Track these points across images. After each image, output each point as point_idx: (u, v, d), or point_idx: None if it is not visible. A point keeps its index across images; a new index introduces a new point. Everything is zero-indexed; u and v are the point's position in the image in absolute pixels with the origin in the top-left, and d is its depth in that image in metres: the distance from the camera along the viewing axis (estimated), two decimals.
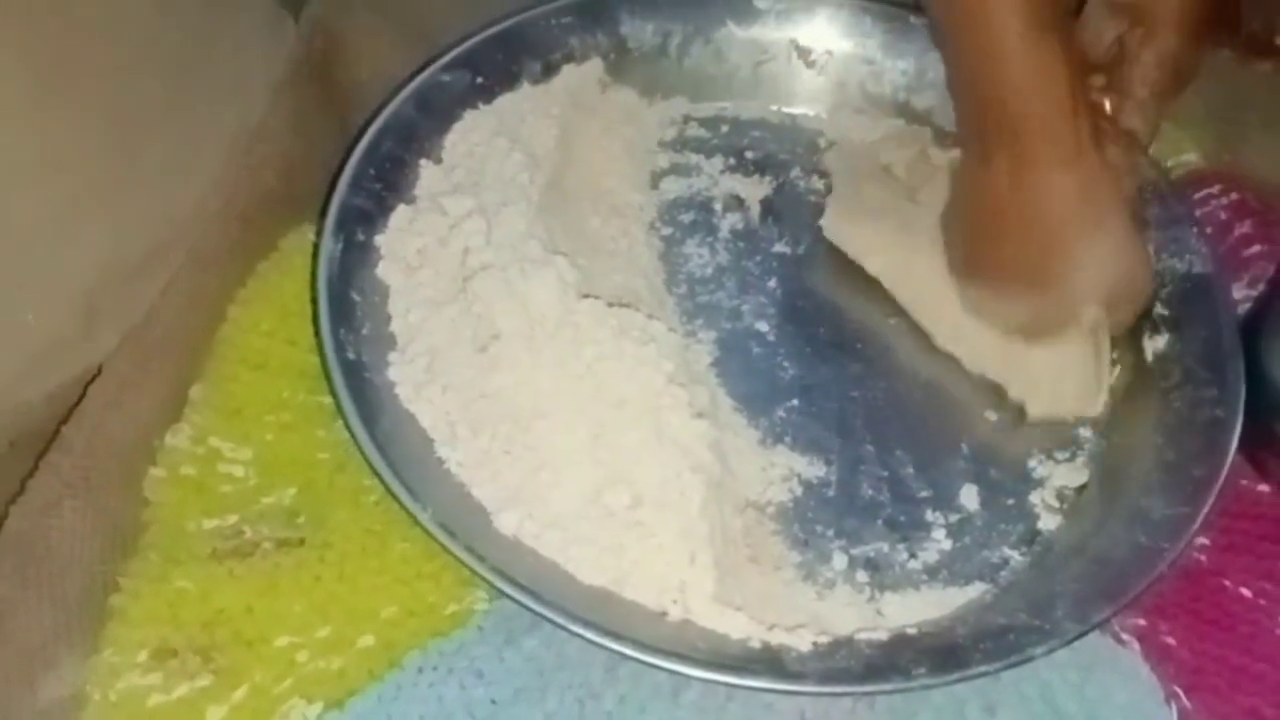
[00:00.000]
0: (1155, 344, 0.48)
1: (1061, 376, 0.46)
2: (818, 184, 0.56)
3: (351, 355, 0.43)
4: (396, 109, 0.51)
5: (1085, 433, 0.48)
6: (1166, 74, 0.51)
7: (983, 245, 0.47)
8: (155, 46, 0.48)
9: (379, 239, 0.47)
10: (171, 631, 0.41)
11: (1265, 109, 0.58)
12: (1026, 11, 0.43)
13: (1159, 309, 0.49)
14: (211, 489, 0.44)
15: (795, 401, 0.49)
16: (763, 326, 0.51)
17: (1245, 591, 0.44)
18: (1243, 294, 0.52)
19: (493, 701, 0.40)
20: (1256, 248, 0.54)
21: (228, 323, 0.49)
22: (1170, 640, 0.43)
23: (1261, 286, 0.52)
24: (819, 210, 0.55)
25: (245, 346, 0.48)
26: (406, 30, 0.57)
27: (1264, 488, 0.47)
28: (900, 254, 0.50)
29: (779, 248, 0.54)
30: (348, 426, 0.41)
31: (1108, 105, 0.53)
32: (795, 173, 0.57)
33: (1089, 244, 0.45)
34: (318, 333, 0.44)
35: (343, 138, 0.51)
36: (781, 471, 0.46)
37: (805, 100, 0.58)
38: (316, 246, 0.46)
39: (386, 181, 0.49)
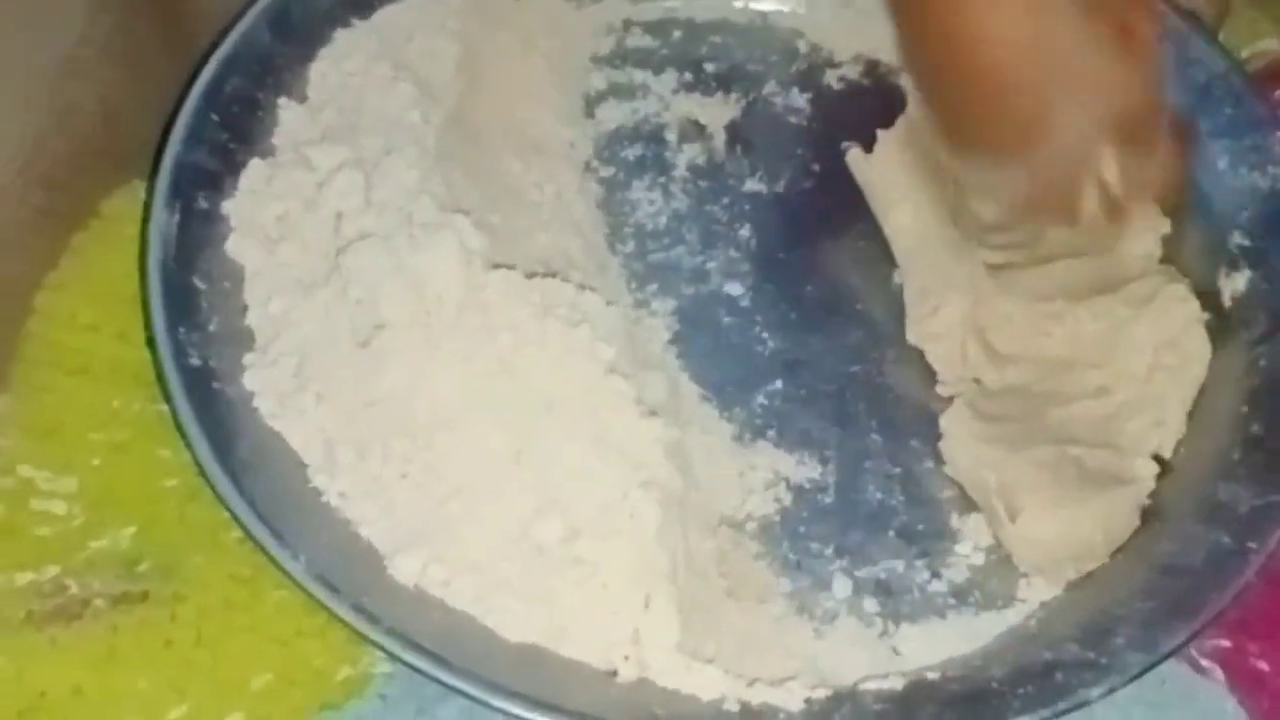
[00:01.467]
0: (1234, 283, 0.48)
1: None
2: (799, 100, 0.55)
3: (196, 360, 0.42)
4: (245, 33, 0.49)
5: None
6: None
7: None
8: None
9: (227, 205, 0.46)
10: None
11: None
12: None
13: (1238, 238, 0.48)
14: (24, 533, 0.43)
15: (779, 384, 0.48)
16: (735, 289, 0.50)
17: None
18: None
19: None
20: None
21: (36, 315, 0.47)
22: (1263, 665, 0.43)
23: None
24: (802, 135, 0.54)
25: (60, 345, 0.47)
26: None
27: None
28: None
29: (752, 185, 0.53)
30: (193, 454, 0.40)
31: None
32: (769, 88, 0.55)
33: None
34: (150, 333, 0.42)
35: (180, 69, 0.49)
36: (765, 476, 0.46)
37: None
38: (146, 219, 0.44)
39: (235, 129, 0.47)
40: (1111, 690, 0.37)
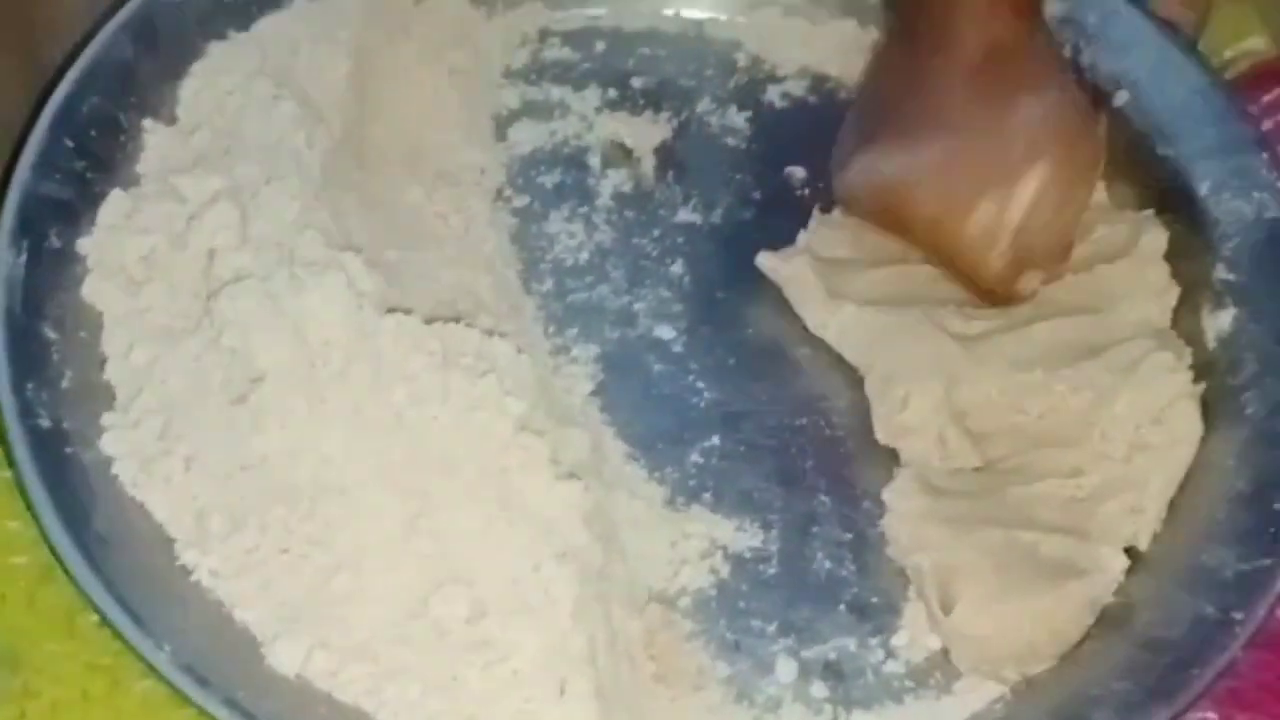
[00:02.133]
0: (1219, 321, 0.49)
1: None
2: (737, 119, 0.56)
3: (46, 421, 0.42)
4: (105, 46, 0.49)
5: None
6: None
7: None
8: None
9: (84, 243, 0.46)
10: None
11: None
12: None
13: (1222, 272, 0.49)
14: None
15: (716, 440, 0.48)
16: (665, 333, 0.51)
17: None
18: None
19: None
20: None
21: None
22: None
23: None
24: (739, 158, 0.55)
25: None
26: None
27: None
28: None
29: (685, 216, 0.53)
30: (42, 528, 0.40)
31: None
32: (704, 105, 0.56)
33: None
34: None
35: (32, 81, 0.50)
36: (700, 545, 0.46)
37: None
38: None
39: (93, 156, 0.48)
40: None
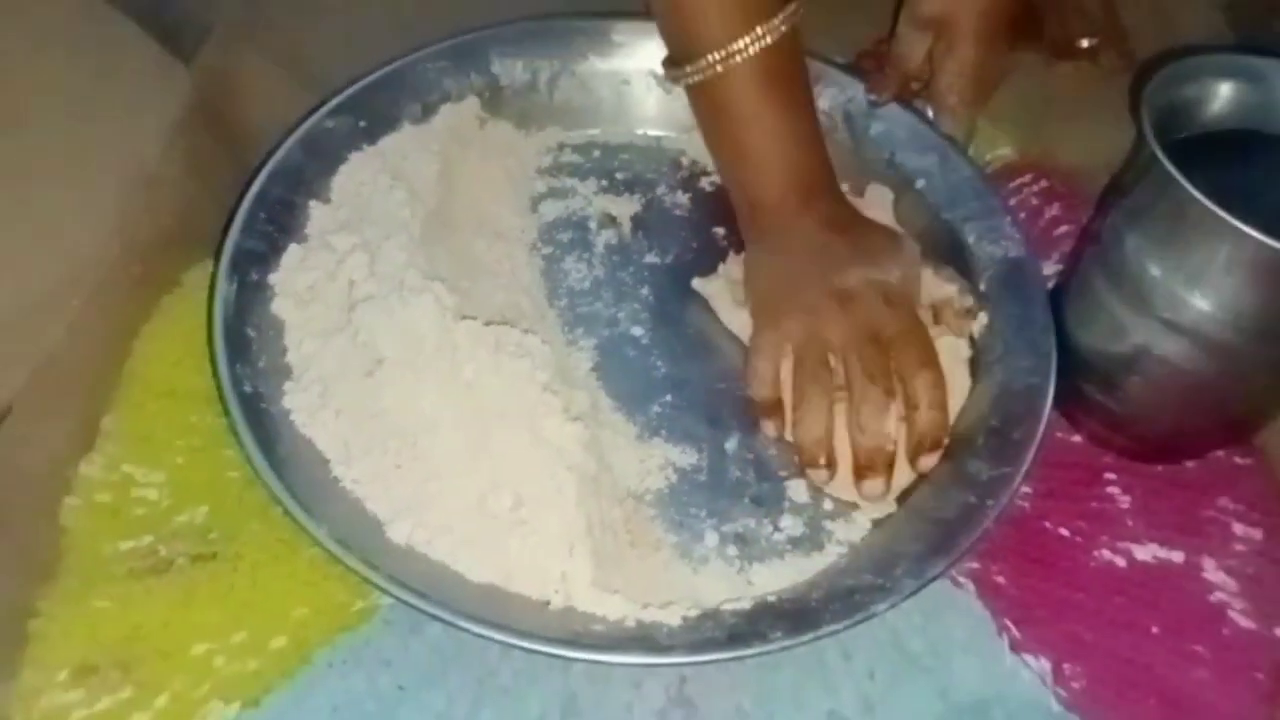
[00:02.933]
0: (980, 320, 0.49)
1: None
2: (681, 199, 0.56)
3: (248, 388, 0.42)
4: (285, 155, 0.49)
5: None
6: (970, 82, 0.51)
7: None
8: (51, 93, 0.46)
9: (273, 277, 0.46)
10: (91, 649, 0.40)
11: (1069, 103, 0.60)
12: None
13: (982, 290, 0.49)
14: (126, 513, 0.43)
15: (669, 397, 0.48)
16: (637, 331, 0.51)
17: (1064, 531, 0.45)
18: (1054, 269, 0.53)
19: (400, 688, 0.40)
20: (1065, 228, 0.55)
21: (134, 356, 0.47)
22: (1001, 579, 0.44)
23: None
24: (684, 223, 0.55)
25: (152, 377, 0.47)
26: (297, 73, 0.56)
27: (1077, 438, 0.48)
28: None
29: (650, 258, 0.53)
30: (246, 455, 0.40)
31: (929, 112, 0.54)
32: (661, 189, 0.56)
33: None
34: (215, 369, 0.42)
35: (239, 177, 0.50)
36: (658, 461, 0.46)
37: (666, 123, 0.58)
38: (212, 287, 0.45)
39: (278, 223, 0.48)
40: (892, 606, 0.38)
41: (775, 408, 0.46)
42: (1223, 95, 0.43)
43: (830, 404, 0.44)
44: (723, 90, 0.46)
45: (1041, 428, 0.43)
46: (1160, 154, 0.40)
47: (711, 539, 0.44)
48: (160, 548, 0.42)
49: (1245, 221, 0.37)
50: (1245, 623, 0.43)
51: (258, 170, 0.48)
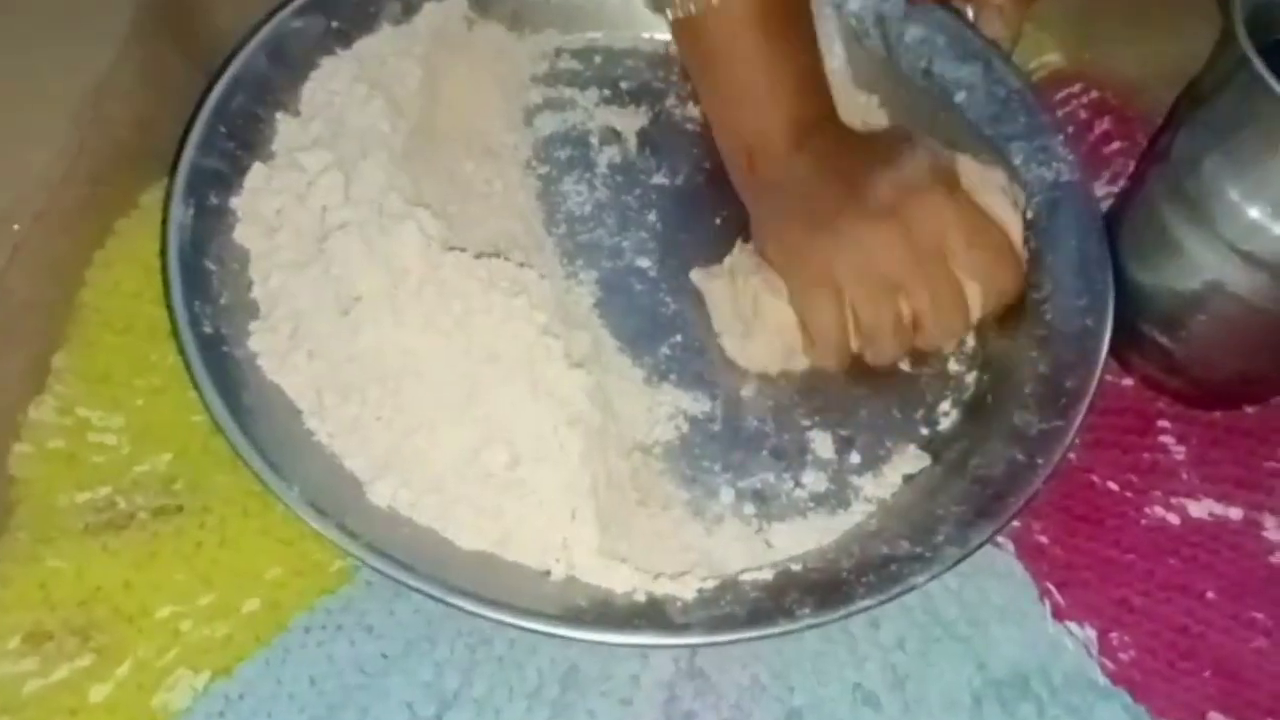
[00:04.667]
0: (1027, 252, 0.44)
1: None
2: (693, 111, 0.50)
3: (209, 329, 0.38)
4: (246, 60, 0.44)
5: (966, 347, 0.44)
6: None
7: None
8: None
9: (235, 201, 0.41)
10: (46, 613, 0.37)
11: (1124, 4, 0.54)
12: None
13: (1029, 219, 0.44)
14: (82, 461, 0.40)
15: (679, 337, 0.44)
16: (644, 263, 0.46)
17: (1112, 485, 0.41)
18: (1104, 190, 0.48)
19: (384, 655, 0.37)
20: (1115, 144, 0.50)
21: (87, 286, 0.43)
22: (1043, 539, 0.40)
23: (1122, 183, 0.48)
24: (696, 139, 0.49)
25: (108, 310, 0.43)
26: None
27: (1128, 382, 0.44)
28: None
29: (658, 179, 0.48)
30: (206, 405, 0.36)
31: (970, 13, 0.48)
32: (670, 101, 0.50)
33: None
34: (170, 307, 0.38)
35: (202, 85, 0.44)
36: (668, 410, 0.42)
37: None
38: (166, 214, 0.39)
39: (240, 139, 0.42)
40: (933, 578, 0.35)
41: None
42: None
43: (900, 331, 0.39)
44: (716, 24, 0.40)
45: (1096, 376, 0.39)
46: (1252, 53, 0.34)
47: (727, 496, 0.40)
48: (119, 500, 0.39)
49: None
50: None
51: (215, 79, 0.43)
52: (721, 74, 0.42)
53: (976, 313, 0.40)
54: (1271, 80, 0.34)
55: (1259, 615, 0.38)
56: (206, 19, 0.49)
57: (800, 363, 0.42)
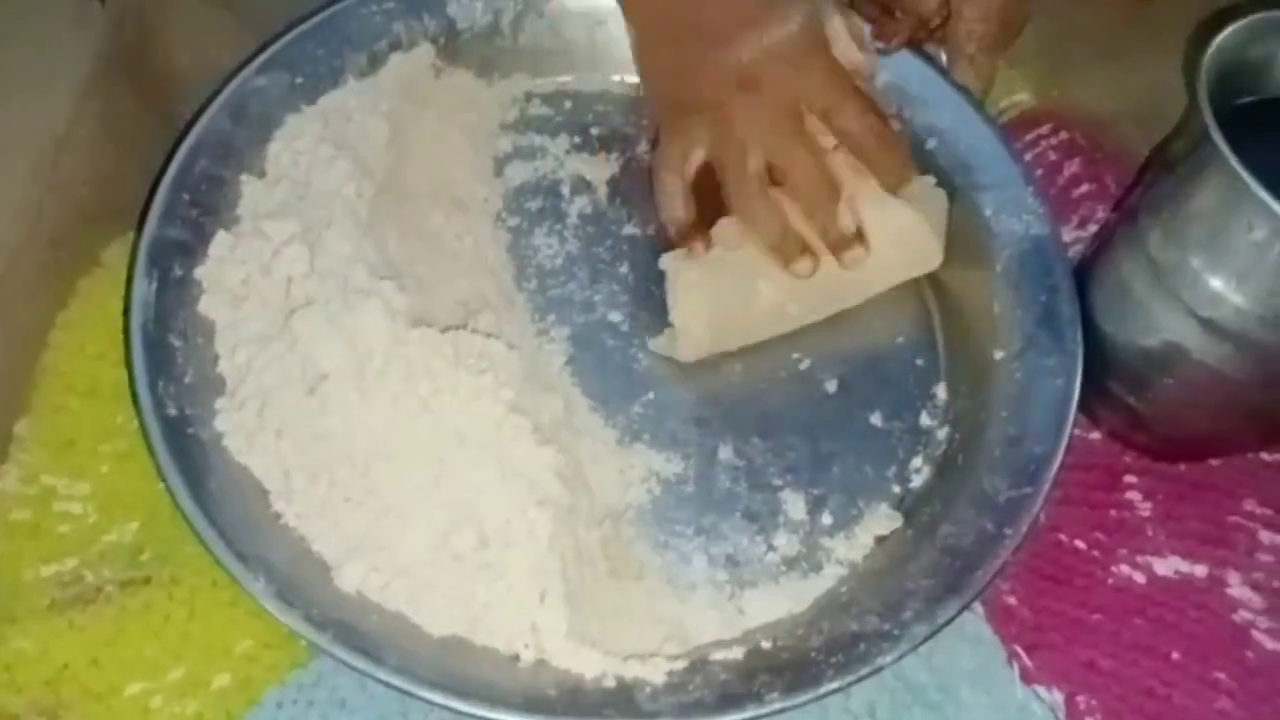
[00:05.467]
0: (998, 306, 0.44)
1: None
2: None
3: (172, 411, 0.37)
4: (209, 123, 0.43)
5: (938, 401, 0.44)
6: (992, 27, 0.45)
7: None
8: None
9: (199, 271, 0.40)
10: (11, 696, 0.36)
11: (1091, 41, 0.53)
12: None
13: (998, 271, 0.44)
14: (48, 531, 0.39)
15: (651, 395, 0.43)
16: (616, 317, 0.45)
17: (1080, 544, 0.41)
18: (1073, 235, 0.48)
19: None
20: (1085, 187, 0.50)
21: (51, 349, 0.42)
22: (1012, 600, 0.40)
23: (1091, 227, 0.48)
24: None
25: (72, 373, 0.42)
26: (234, 8, 0.48)
27: (1095, 435, 0.44)
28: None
29: (629, 230, 0.48)
30: (172, 495, 0.35)
31: (944, 58, 0.48)
32: (641, 147, 0.50)
33: None
34: (133, 390, 0.37)
35: (166, 137, 0.43)
36: (640, 472, 0.42)
37: None
38: (128, 289, 0.39)
39: (203, 205, 0.42)
40: (900, 658, 0.35)
41: (694, 229, 0.41)
42: None
43: (771, 199, 0.39)
44: None
45: (1065, 442, 0.39)
46: (1212, 126, 0.34)
47: (699, 561, 0.40)
48: (86, 573, 0.39)
49: None
50: (1271, 644, 0.40)
51: (179, 143, 0.42)
52: None
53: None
54: (1228, 151, 0.33)
55: (1221, 675, 0.39)
56: (168, 63, 0.48)
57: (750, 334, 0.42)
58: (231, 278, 0.40)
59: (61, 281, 0.43)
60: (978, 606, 0.40)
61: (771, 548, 0.40)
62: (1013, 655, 0.39)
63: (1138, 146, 0.49)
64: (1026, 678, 0.39)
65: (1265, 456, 0.43)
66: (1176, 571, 0.41)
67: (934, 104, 0.47)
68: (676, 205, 0.41)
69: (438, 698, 0.32)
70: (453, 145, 0.48)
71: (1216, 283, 0.36)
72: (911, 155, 0.42)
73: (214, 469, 0.36)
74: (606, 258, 0.47)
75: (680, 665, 0.35)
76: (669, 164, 0.40)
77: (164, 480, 0.35)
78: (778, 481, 0.42)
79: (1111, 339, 0.41)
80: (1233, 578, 0.41)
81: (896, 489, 0.42)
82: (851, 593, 0.38)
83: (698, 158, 0.40)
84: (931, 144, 0.47)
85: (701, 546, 0.40)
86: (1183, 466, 0.43)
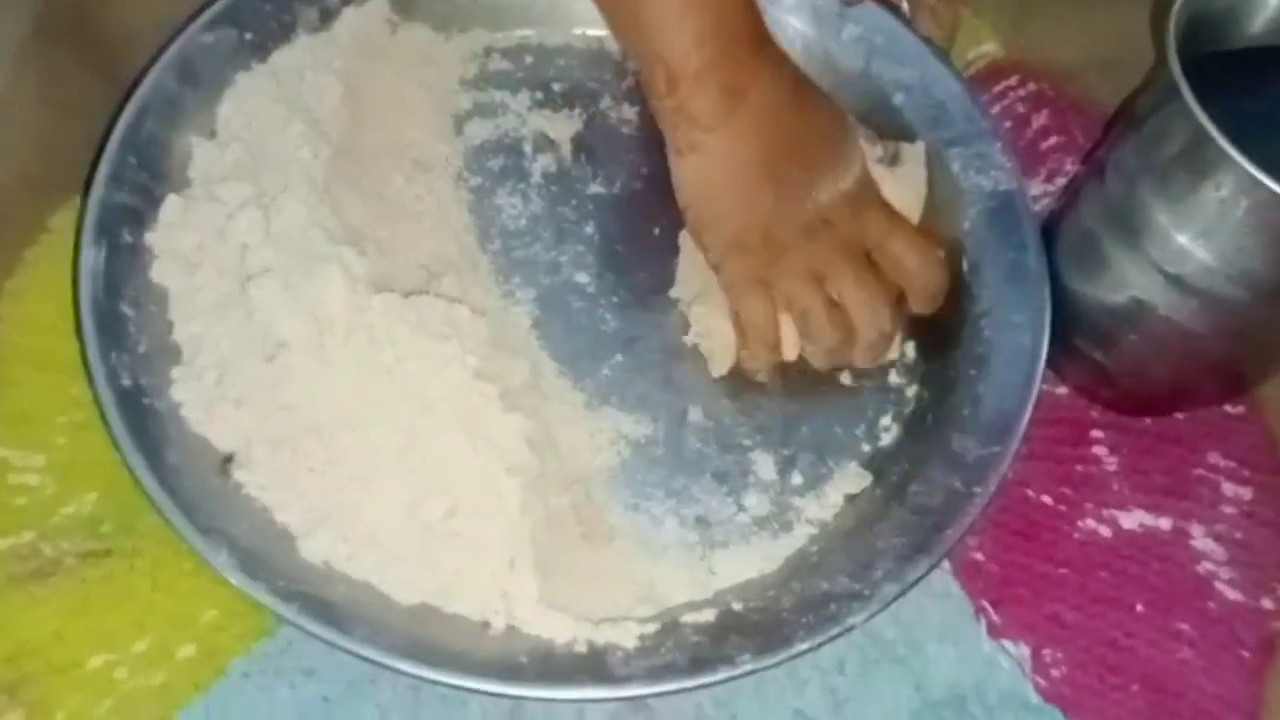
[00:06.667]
0: (966, 264, 0.43)
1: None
2: (629, 113, 0.49)
3: (127, 381, 0.36)
4: (154, 82, 0.41)
5: (906, 357, 0.43)
6: None
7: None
8: None
9: (150, 236, 0.39)
10: None
11: None
12: None
13: (966, 228, 0.44)
14: (4, 505, 0.39)
15: (619, 357, 0.43)
16: (582, 278, 0.45)
17: (1046, 499, 0.42)
18: (1041, 189, 0.48)
19: (325, 699, 0.36)
20: (1053, 139, 0.50)
21: (0, 322, 0.41)
22: (979, 556, 0.41)
23: (1060, 180, 0.48)
24: (632, 142, 0.48)
25: (24, 345, 0.41)
26: None
27: (1062, 390, 0.44)
28: None
29: (594, 188, 0.47)
30: (130, 469, 0.34)
31: (905, 7, 0.47)
32: (605, 103, 0.49)
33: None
34: (85, 361, 0.36)
35: (111, 95, 0.42)
36: (609, 435, 0.41)
37: None
38: (76, 258, 0.37)
39: (152, 169, 0.40)
40: (871, 617, 0.35)
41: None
42: (1266, 5, 0.37)
43: (835, 336, 0.41)
44: None
45: (1033, 400, 0.39)
46: (1179, 78, 0.34)
47: (670, 523, 0.40)
48: (44, 546, 0.38)
49: (1277, 166, 0.32)
50: (1232, 594, 0.40)
51: (123, 104, 0.40)
52: None
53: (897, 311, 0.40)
54: (1195, 105, 0.33)
55: (1184, 626, 0.39)
56: (113, 21, 0.46)
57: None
58: (184, 243, 0.39)
59: (7, 251, 0.42)
60: (945, 562, 0.40)
61: (742, 508, 0.40)
62: (980, 610, 0.40)
63: (1106, 97, 0.49)
64: (993, 632, 0.39)
65: (1229, 409, 0.44)
66: (1141, 524, 0.42)
67: (901, 58, 0.47)
68: (762, 352, 0.41)
69: (407, 666, 0.32)
70: (411, 103, 0.47)
71: (1183, 239, 0.36)
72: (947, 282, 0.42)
73: (172, 440, 0.36)
74: (572, 217, 0.46)
75: (652, 629, 0.35)
76: (758, 327, 0.41)
77: (120, 452, 0.34)
78: (747, 442, 0.41)
79: (1078, 295, 0.41)
80: (1196, 530, 0.42)
81: (866, 447, 0.42)
82: (822, 552, 0.38)
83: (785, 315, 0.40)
84: (899, 99, 0.47)
85: (672, 508, 0.40)
86: (1148, 420, 0.44)
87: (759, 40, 0.41)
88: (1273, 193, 0.32)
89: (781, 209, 0.40)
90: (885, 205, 0.43)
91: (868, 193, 0.42)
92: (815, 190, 0.41)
